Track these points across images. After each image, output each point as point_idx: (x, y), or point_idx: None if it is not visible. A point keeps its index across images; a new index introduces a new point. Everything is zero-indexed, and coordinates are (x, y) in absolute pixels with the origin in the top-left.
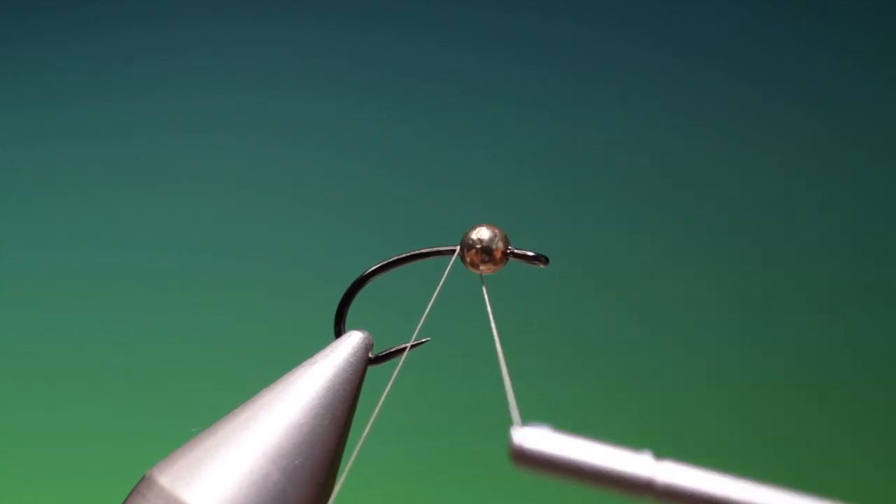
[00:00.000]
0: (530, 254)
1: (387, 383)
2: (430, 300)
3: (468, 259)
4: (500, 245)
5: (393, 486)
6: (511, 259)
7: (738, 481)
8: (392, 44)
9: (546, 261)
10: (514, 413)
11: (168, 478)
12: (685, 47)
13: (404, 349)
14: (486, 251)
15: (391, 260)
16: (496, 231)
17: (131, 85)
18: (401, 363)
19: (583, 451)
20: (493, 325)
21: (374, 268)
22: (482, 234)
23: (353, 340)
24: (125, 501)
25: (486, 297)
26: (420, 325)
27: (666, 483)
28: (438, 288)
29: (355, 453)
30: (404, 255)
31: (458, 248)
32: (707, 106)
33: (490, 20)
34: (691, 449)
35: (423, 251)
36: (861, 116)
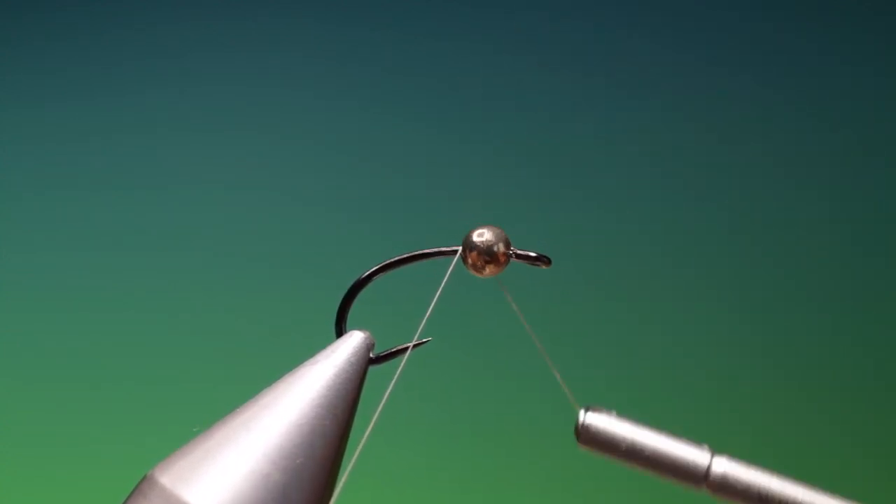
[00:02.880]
0: (532, 255)
1: (388, 383)
2: (431, 301)
3: (469, 261)
4: (502, 247)
5: (393, 486)
6: (513, 260)
7: (792, 482)
8: (393, 43)
9: (548, 261)
10: (570, 396)
11: (169, 478)
12: (687, 47)
13: (406, 349)
14: (487, 253)
15: (393, 260)
16: (498, 232)
17: (132, 85)
18: (403, 364)
19: (644, 437)
20: (521, 319)
21: (375, 268)
22: (484, 235)
23: (354, 340)
24: (126, 501)
25: (508, 297)
26: (422, 325)
27: (721, 475)
28: (440, 289)
29: (357, 453)
30: (406, 256)
31: (459, 248)
32: (708, 105)
33: (492, 20)
34: None
35: (424, 252)
36: (862, 116)
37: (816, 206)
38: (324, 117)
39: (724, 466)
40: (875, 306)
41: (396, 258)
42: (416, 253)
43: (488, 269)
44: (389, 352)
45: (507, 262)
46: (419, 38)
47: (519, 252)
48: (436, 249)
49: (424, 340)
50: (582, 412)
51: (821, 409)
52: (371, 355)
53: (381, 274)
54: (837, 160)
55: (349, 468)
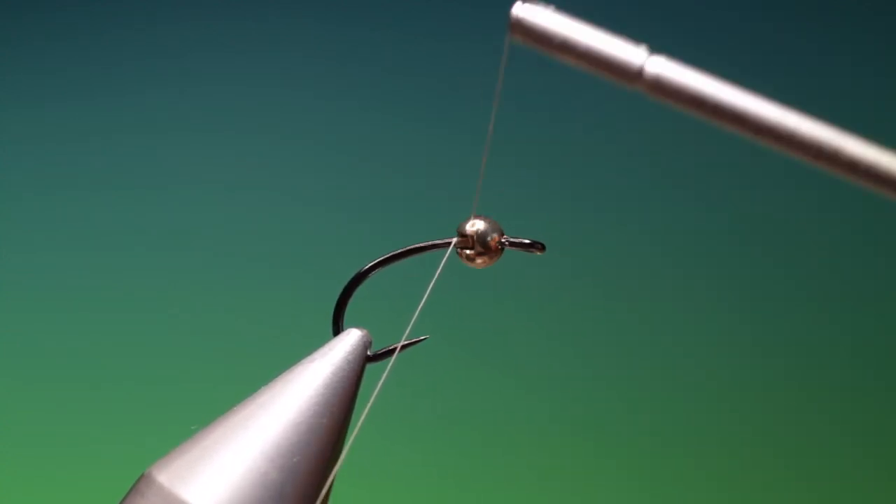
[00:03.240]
0: (526, 241)
1: (386, 381)
2: (428, 295)
3: (464, 251)
4: (495, 235)
5: (392, 485)
6: (507, 248)
7: (735, 87)
8: (388, 41)
9: (542, 248)
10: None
11: (167, 476)
12: (686, 45)
13: (403, 347)
14: (480, 242)
15: (388, 256)
16: (491, 222)
17: (132, 85)
18: (392, 362)
19: (580, 32)
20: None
21: (371, 264)
22: (477, 225)
23: (351, 338)
24: (124, 499)
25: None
26: (413, 319)
27: (656, 73)
28: (433, 281)
29: (346, 449)
30: (401, 251)
31: (453, 239)
32: None
33: (492, 20)
34: (692, 448)
35: (419, 245)
36: (862, 116)
37: (816, 205)
38: (322, 117)
39: (660, 66)
40: (875, 306)
41: (391, 254)
42: (411, 247)
43: (482, 259)
44: (386, 349)
45: (501, 250)
46: (419, 38)
47: (512, 239)
48: (430, 242)
49: (421, 338)
50: (518, 3)
51: (821, 409)
52: (368, 353)
53: (377, 270)
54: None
55: (338, 464)
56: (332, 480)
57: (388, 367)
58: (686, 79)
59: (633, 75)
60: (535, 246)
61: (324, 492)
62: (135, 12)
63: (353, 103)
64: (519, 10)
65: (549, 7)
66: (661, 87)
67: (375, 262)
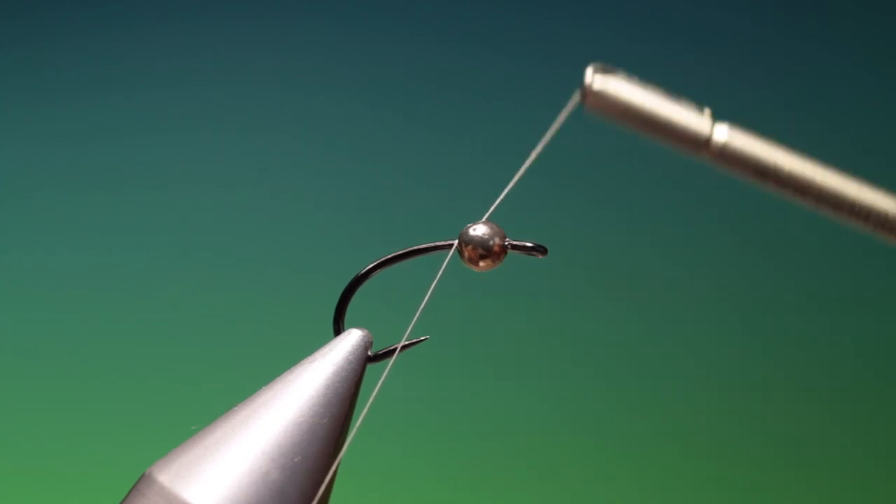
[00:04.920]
0: (529, 245)
1: (386, 382)
2: (430, 297)
3: (466, 254)
4: (497, 239)
5: (393, 485)
6: (510, 251)
7: (797, 155)
8: (390, 42)
9: (544, 251)
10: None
11: (168, 476)
12: (686, 46)
13: (403, 347)
14: (483, 246)
15: (389, 256)
16: (494, 226)
17: (132, 85)
18: (392, 362)
19: (650, 101)
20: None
21: (372, 265)
22: (479, 229)
23: (352, 338)
24: (125, 500)
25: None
26: (414, 321)
27: (722, 143)
28: (435, 282)
29: (344, 448)
30: (402, 252)
31: (455, 242)
32: (708, 104)
33: (492, 19)
34: (692, 449)
35: (421, 247)
36: (863, 116)
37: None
38: (322, 117)
39: (726, 135)
40: (875, 306)
41: (393, 255)
42: (413, 248)
43: (484, 263)
44: (387, 350)
45: (503, 254)
46: (417, 36)
47: (515, 243)
48: (432, 244)
49: (422, 339)
50: (590, 72)
51: (822, 410)
52: (369, 353)
53: (378, 271)
54: (837, 160)
55: (336, 464)
56: (333, 480)
57: (388, 367)
58: (752, 148)
59: (700, 145)
60: (538, 249)
61: (322, 490)
62: (135, 12)
63: (356, 104)
64: (594, 81)
65: (619, 74)
66: (727, 157)
67: (377, 262)
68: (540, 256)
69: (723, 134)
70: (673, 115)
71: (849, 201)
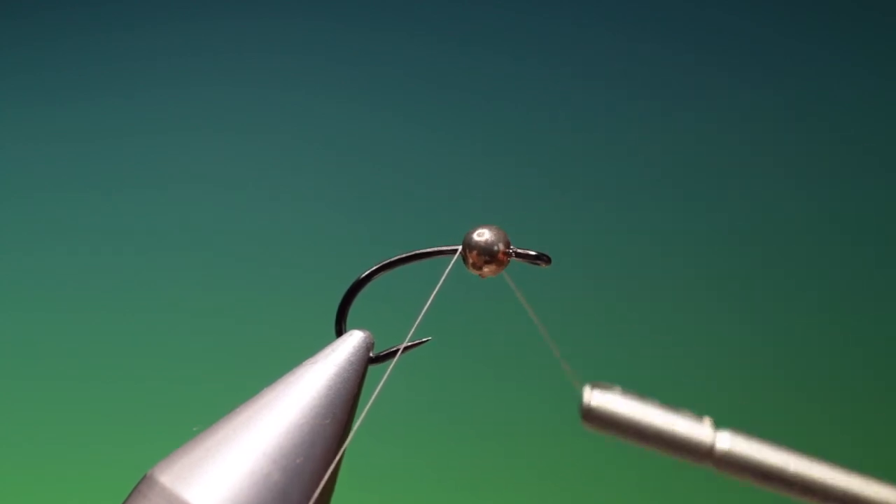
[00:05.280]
0: (532, 253)
1: (388, 383)
2: (432, 300)
3: (470, 260)
4: (502, 246)
5: (393, 486)
6: (514, 259)
7: (799, 456)
8: (392, 43)
9: (548, 260)
10: (569, 372)
11: (169, 477)
12: (686, 47)
13: (405, 348)
14: (487, 252)
15: (393, 259)
16: (498, 232)
17: (132, 85)
18: (393, 363)
19: (650, 415)
20: (528, 308)
21: (375, 267)
22: (484, 234)
23: (354, 340)
24: (126, 501)
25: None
26: (416, 324)
27: (725, 451)
28: (437, 287)
29: (343, 448)
30: (406, 255)
31: (459, 248)
32: (709, 106)
33: (492, 19)
34: None
35: (424, 251)
36: (863, 116)
37: (816, 205)
38: (322, 117)
39: (728, 441)
40: (875, 306)
41: (396, 257)
42: (416, 252)
43: (488, 269)
44: (389, 351)
45: (506, 261)
46: (419, 37)
47: (519, 251)
48: (435, 249)
49: (424, 340)
50: (587, 391)
51: (822, 409)
52: (371, 355)
53: (381, 273)
54: (838, 160)
55: (333, 464)
56: (335, 481)
57: (389, 368)
58: (755, 452)
59: (703, 454)
60: (542, 258)
61: (323, 491)
62: (135, 12)
63: (356, 104)
64: (591, 399)
65: (616, 390)
66: (731, 463)
67: (379, 265)
68: (544, 265)
69: (725, 442)
70: (674, 428)
71: (853, 498)
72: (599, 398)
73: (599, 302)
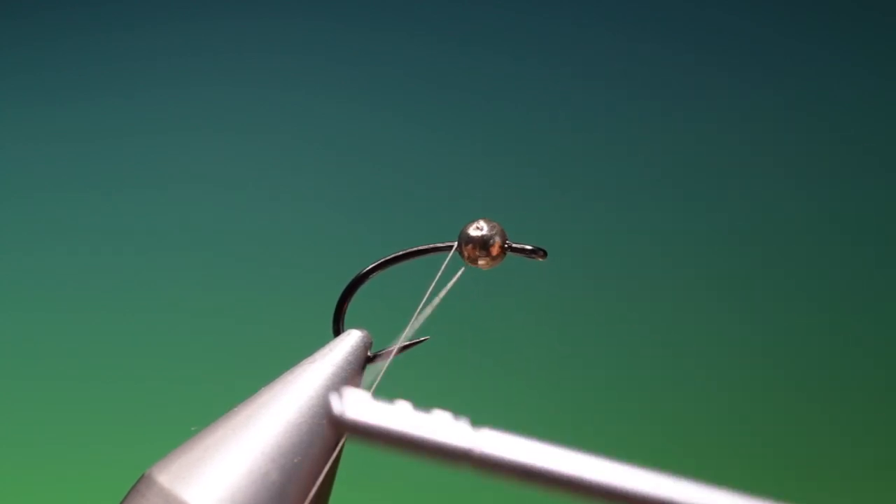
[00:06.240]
0: (528, 247)
1: (386, 381)
2: (431, 298)
3: (466, 254)
4: (498, 239)
5: (393, 486)
6: (509, 253)
7: (558, 450)
8: (392, 43)
9: (544, 254)
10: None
11: (167, 476)
12: (686, 47)
13: (403, 348)
14: (483, 245)
15: (389, 257)
16: (494, 225)
17: (132, 85)
18: (388, 362)
19: (399, 421)
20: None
21: (372, 265)
22: (480, 228)
23: (351, 339)
24: (124, 500)
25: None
26: (411, 322)
27: (483, 453)
28: (432, 285)
29: (340, 447)
30: (402, 252)
31: (455, 243)
32: (709, 106)
33: (492, 19)
34: (691, 449)
35: (421, 248)
36: (862, 117)
37: (816, 205)
38: (322, 117)
39: (483, 443)
40: (875, 306)
41: (393, 255)
42: (413, 249)
43: (483, 262)
44: (387, 350)
45: (503, 254)
46: (417, 36)
47: (515, 245)
48: (431, 245)
49: (421, 339)
50: (335, 400)
51: (822, 409)
52: (369, 353)
53: (378, 272)
54: (838, 160)
55: (330, 462)
56: (332, 481)
57: (384, 366)
58: (516, 449)
59: (460, 456)
60: (538, 252)
61: (317, 488)
62: (135, 12)
63: (356, 104)
64: (338, 406)
65: (367, 395)
66: (490, 463)
67: (376, 263)
68: (540, 259)
69: (482, 440)
70: (431, 433)
71: (620, 493)
72: (353, 408)
73: (599, 302)
